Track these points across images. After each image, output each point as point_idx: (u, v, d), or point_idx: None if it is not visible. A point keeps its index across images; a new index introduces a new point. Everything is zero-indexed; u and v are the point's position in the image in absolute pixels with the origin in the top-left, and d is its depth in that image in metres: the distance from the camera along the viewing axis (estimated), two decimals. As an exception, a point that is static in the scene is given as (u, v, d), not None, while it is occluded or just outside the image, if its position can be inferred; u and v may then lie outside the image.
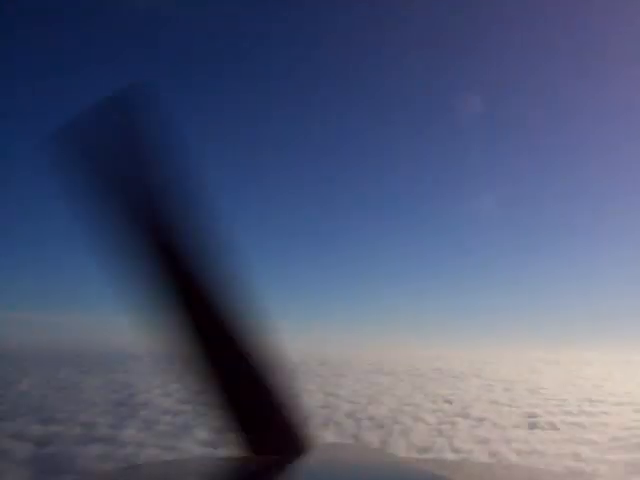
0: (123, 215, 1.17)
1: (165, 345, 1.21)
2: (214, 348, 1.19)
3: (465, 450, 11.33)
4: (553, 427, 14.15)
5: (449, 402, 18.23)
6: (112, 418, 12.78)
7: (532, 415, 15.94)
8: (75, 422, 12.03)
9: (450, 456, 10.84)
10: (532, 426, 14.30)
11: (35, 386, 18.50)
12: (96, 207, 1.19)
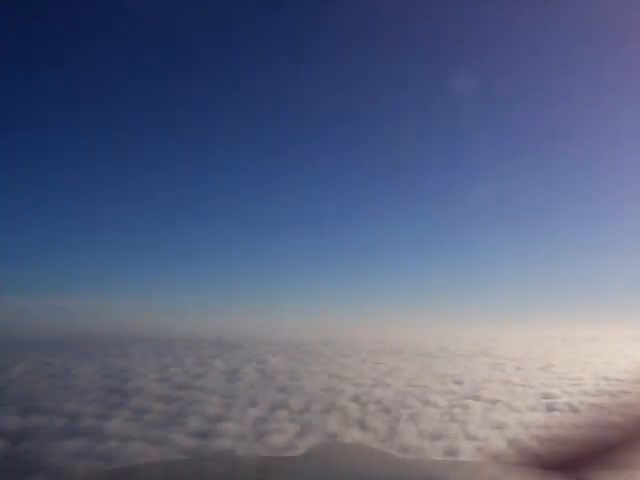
0: None
1: None
2: None
3: (480, 437, 10.44)
4: (572, 409, 13.25)
5: (459, 383, 17.41)
6: (100, 407, 11.94)
7: (548, 396, 15.07)
8: (59, 413, 11.18)
9: (465, 444, 9.95)
10: (550, 408, 13.42)
11: (26, 373, 17.76)
12: None
